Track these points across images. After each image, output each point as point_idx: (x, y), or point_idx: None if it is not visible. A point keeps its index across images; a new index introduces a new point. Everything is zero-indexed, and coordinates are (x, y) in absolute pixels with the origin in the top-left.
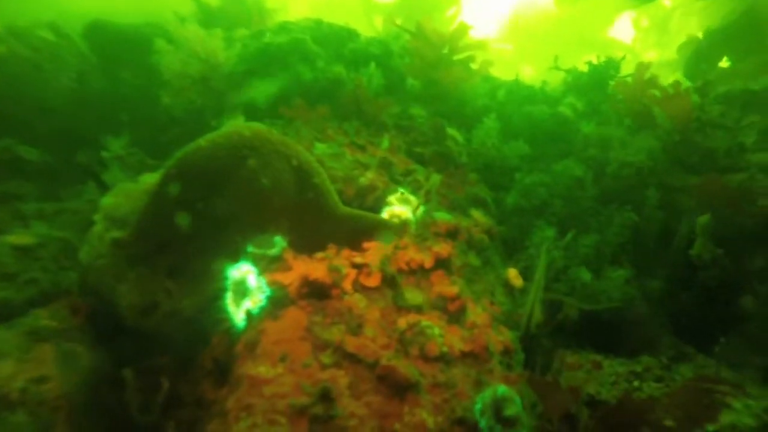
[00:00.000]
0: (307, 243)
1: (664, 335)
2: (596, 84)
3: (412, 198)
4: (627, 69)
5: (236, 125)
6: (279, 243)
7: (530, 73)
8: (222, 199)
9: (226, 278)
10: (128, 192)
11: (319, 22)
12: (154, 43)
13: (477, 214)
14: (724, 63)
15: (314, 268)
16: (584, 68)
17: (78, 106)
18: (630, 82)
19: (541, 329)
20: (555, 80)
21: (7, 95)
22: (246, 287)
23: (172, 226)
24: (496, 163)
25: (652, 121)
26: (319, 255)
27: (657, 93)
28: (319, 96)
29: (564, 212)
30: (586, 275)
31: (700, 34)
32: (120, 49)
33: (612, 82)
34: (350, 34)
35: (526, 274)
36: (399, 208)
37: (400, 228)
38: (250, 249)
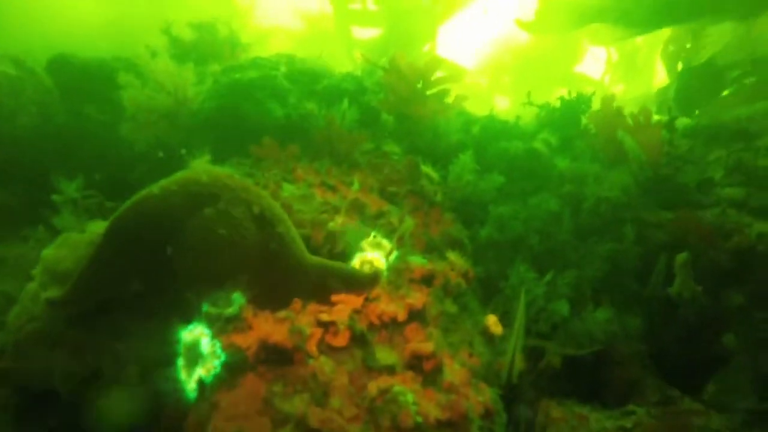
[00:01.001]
0: (270, 298)
1: (648, 376)
2: (569, 119)
3: (384, 242)
4: (597, 104)
5: (194, 170)
6: (237, 300)
7: (504, 106)
8: (174, 252)
9: (177, 342)
10: (73, 243)
11: (291, 58)
12: (119, 76)
13: (453, 256)
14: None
15: (275, 330)
16: (557, 103)
17: (40, 142)
18: (600, 114)
19: (523, 378)
20: (528, 115)
21: None
22: (199, 352)
23: (117, 283)
24: (473, 199)
25: (625, 155)
26: (282, 314)
27: (630, 121)
28: (291, 133)
29: (541, 248)
30: (564, 308)
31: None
32: (85, 83)
33: (584, 117)
34: (323, 70)
35: (504, 317)
36: (371, 254)
37: (371, 278)
38: (205, 308)
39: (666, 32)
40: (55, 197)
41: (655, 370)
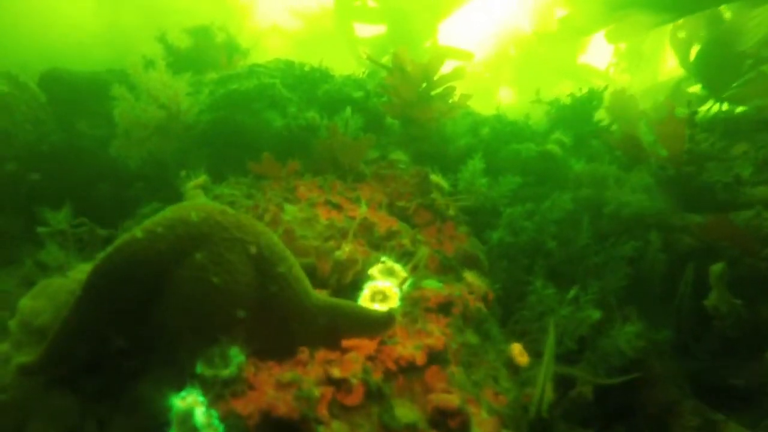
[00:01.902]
0: (273, 346)
1: (685, 398)
2: (581, 116)
3: (397, 267)
4: (608, 99)
5: (182, 207)
6: (235, 358)
7: (510, 100)
8: (161, 305)
9: (169, 410)
10: (52, 292)
11: (290, 64)
12: (112, 89)
13: (471, 276)
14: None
15: (279, 397)
16: (567, 100)
17: (35, 162)
18: (617, 109)
19: (553, 412)
20: (538, 112)
21: None
22: (193, 424)
23: (98, 342)
24: (486, 205)
25: (645, 153)
26: (287, 375)
27: (652, 114)
28: (292, 145)
29: (559, 254)
30: (595, 315)
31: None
32: (77, 97)
33: (596, 114)
34: (324, 75)
35: (523, 338)
36: (382, 282)
37: (385, 320)
38: (199, 369)
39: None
40: (40, 230)
41: (690, 391)
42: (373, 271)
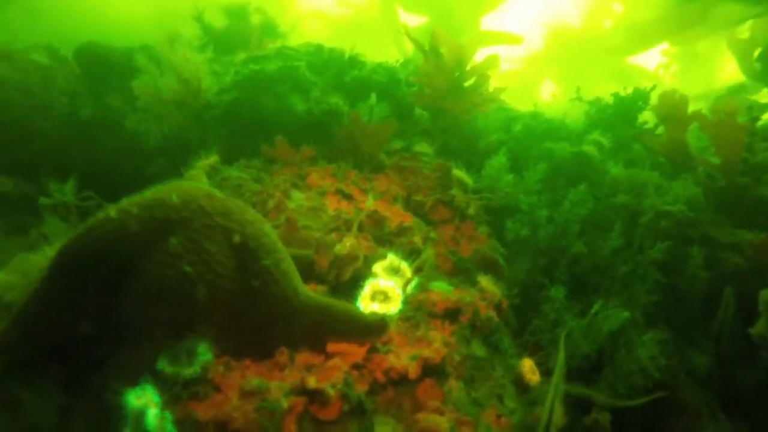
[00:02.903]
0: (253, 345)
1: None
2: (624, 117)
3: (403, 266)
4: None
5: (165, 187)
6: (201, 356)
7: (550, 100)
8: (130, 292)
9: (126, 408)
10: (26, 268)
11: (319, 47)
12: (137, 61)
13: (485, 281)
14: None
15: (239, 408)
16: (609, 99)
17: (67, 132)
18: (666, 109)
19: None
20: (577, 112)
21: None
22: (144, 426)
23: (63, 325)
24: (510, 205)
25: (691, 160)
26: (252, 383)
27: (708, 115)
28: (312, 130)
29: (585, 262)
30: (617, 320)
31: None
32: (109, 73)
33: (641, 116)
34: (353, 61)
35: (538, 356)
36: (385, 282)
37: (377, 327)
38: (160, 366)
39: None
40: (41, 201)
41: (728, 426)
42: (377, 268)
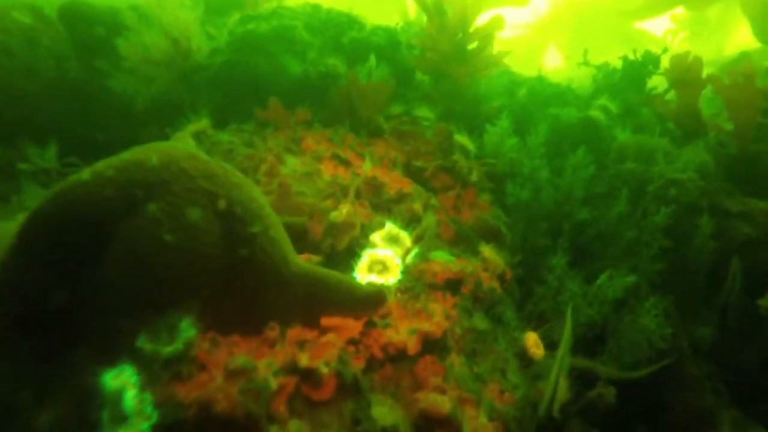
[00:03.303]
0: (241, 319)
1: (723, 407)
2: (632, 82)
3: (402, 235)
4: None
5: (144, 148)
6: (184, 333)
7: (556, 65)
8: (105, 262)
9: (102, 389)
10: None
11: (317, 7)
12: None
13: (488, 251)
14: None
15: (224, 389)
16: (618, 64)
17: (53, 95)
18: (678, 72)
19: (567, 411)
20: (584, 78)
21: None
22: (123, 408)
23: (33, 296)
24: (514, 171)
25: (702, 126)
26: (238, 361)
27: (724, 79)
28: (308, 93)
29: (590, 231)
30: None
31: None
32: (96, 33)
33: (650, 82)
34: (351, 21)
35: (542, 329)
36: (383, 251)
37: (374, 299)
38: (140, 343)
39: None
40: (20, 166)
41: (731, 398)
42: (375, 237)
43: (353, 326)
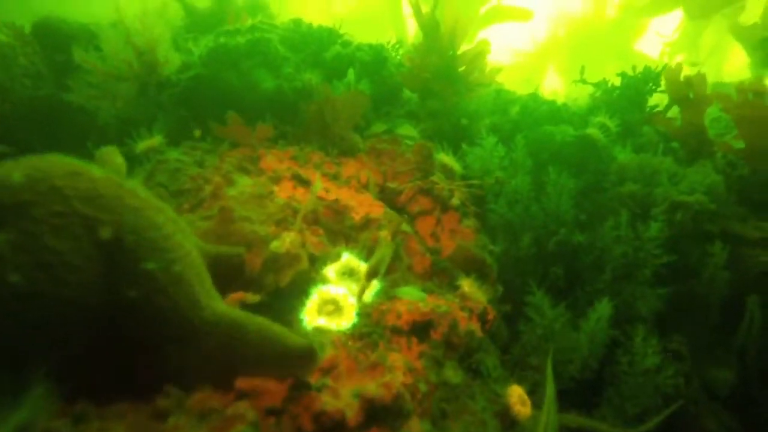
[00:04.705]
0: (131, 381)
1: None
2: (632, 100)
3: (362, 267)
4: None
5: (13, 163)
6: (25, 409)
7: (554, 88)
8: None
9: None
10: None
11: (298, 22)
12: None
13: (468, 285)
14: None
15: None
16: (616, 81)
17: (27, 115)
18: (682, 87)
19: None
20: (581, 96)
21: None
22: None
23: None
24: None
25: (708, 145)
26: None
27: (733, 95)
28: (282, 111)
29: (585, 257)
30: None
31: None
32: (69, 50)
33: (651, 100)
34: (335, 36)
35: (529, 381)
36: (335, 288)
37: (304, 354)
38: None
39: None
40: None
41: None
42: (328, 271)
43: (275, 390)
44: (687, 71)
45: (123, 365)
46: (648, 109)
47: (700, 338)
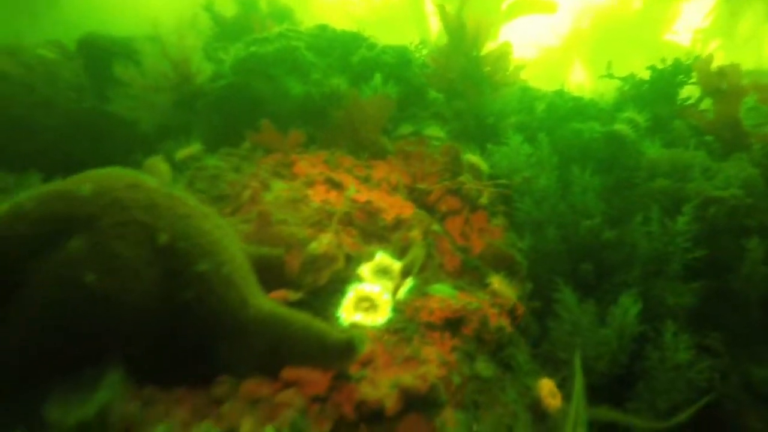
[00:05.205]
0: (187, 374)
1: None
2: (662, 94)
3: (395, 266)
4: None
5: (80, 176)
6: (99, 396)
7: (580, 81)
8: (9, 313)
9: None
10: None
11: (324, 27)
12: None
13: (498, 282)
14: None
15: None
16: (645, 74)
17: (71, 127)
18: (715, 78)
19: None
20: (609, 92)
21: None
22: None
23: None
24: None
25: (744, 138)
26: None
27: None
28: (311, 116)
29: (613, 254)
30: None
31: None
32: (111, 64)
33: (682, 93)
34: (360, 40)
35: (560, 375)
36: (370, 286)
37: (343, 348)
38: (46, 410)
39: None
40: None
41: None
42: (363, 270)
43: (319, 380)
44: (719, 61)
45: (180, 359)
46: (679, 103)
47: (739, 335)
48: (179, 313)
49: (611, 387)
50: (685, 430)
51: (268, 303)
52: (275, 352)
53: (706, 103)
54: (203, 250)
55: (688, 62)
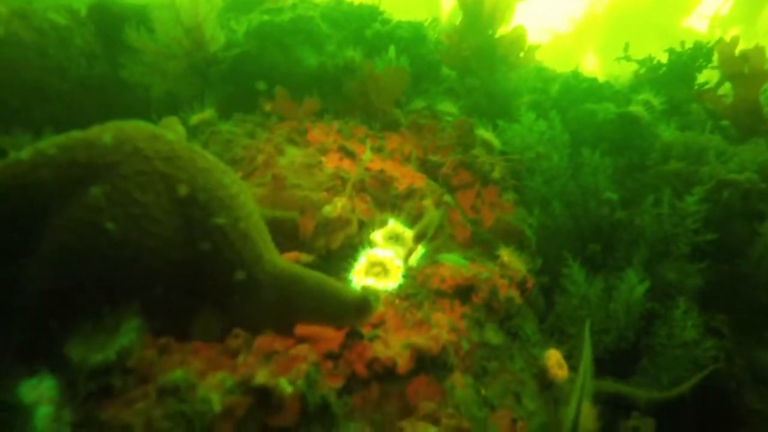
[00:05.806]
0: (202, 324)
1: None
2: (679, 77)
3: (407, 233)
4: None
5: (100, 127)
6: (120, 339)
7: (592, 67)
8: (35, 256)
9: (18, 403)
10: None
11: (339, 1)
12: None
13: (507, 254)
14: None
15: (146, 410)
16: (663, 57)
17: (83, 93)
18: (736, 61)
19: None
20: (622, 73)
21: (1, 80)
22: (33, 427)
23: None
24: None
25: (763, 123)
26: (174, 376)
27: None
28: (325, 87)
29: (624, 232)
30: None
31: None
32: (122, 30)
33: (700, 77)
34: (375, 14)
35: (566, 346)
36: (383, 252)
37: (358, 306)
38: (67, 350)
39: None
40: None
41: None
42: (376, 235)
43: (332, 337)
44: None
45: (196, 310)
46: (697, 87)
47: (745, 319)
48: (196, 264)
49: (616, 362)
50: (688, 406)
51: (283, 261)
52: (289, 307)
53: (725, 89)
54: (222, 204)
55: (709, 46)
